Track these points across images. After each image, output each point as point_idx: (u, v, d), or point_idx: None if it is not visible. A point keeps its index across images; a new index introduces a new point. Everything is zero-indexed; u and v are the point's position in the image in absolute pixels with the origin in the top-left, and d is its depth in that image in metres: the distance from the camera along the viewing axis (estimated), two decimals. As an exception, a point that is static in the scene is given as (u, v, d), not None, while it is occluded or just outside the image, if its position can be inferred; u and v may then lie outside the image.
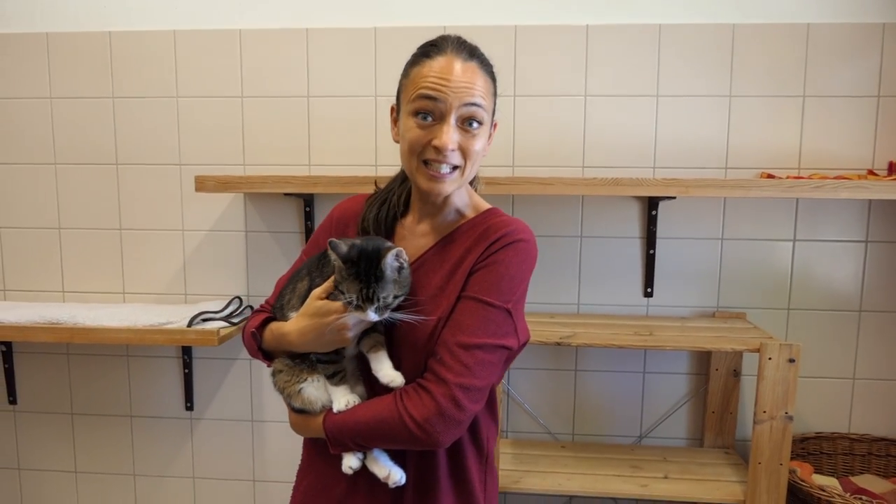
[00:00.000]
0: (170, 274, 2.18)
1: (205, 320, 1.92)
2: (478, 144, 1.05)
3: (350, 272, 1.00)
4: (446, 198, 1.11)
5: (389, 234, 1.17)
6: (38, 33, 2.11)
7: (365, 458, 1.08)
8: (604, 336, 1.77)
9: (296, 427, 1.13)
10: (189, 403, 2.20)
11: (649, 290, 2.06)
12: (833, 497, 1.70)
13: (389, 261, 1.00)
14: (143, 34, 2.09)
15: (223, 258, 2.16)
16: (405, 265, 1.03)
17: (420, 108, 1.02)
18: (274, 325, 1.12)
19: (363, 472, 1.09)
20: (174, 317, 1.94)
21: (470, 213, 1.15)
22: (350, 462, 1.07)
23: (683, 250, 2.05)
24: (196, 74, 2.09)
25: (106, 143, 2.14)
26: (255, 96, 2.09)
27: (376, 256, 1.00)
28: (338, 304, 1.01)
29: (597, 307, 2.09)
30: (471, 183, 1.21)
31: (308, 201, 2.06)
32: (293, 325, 1.07)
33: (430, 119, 1.03)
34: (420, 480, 1.10)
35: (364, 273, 0.99)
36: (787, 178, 1.89)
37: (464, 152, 1.04)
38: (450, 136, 1.01)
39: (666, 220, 2.04)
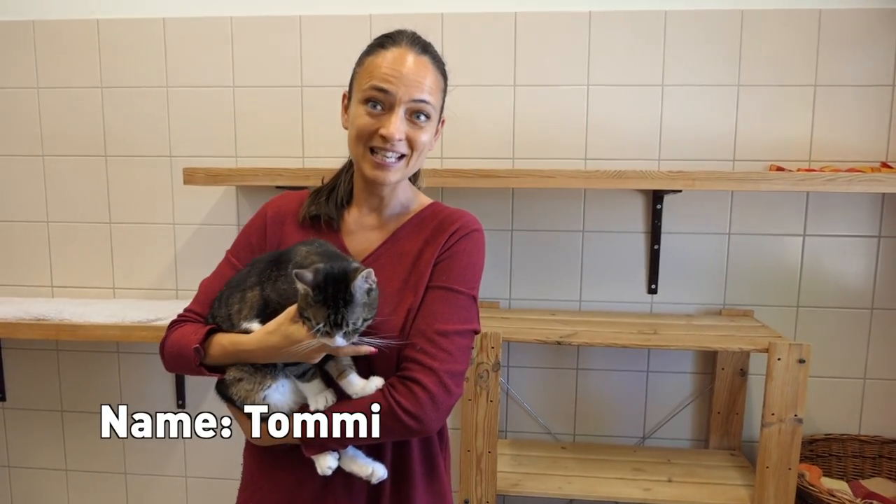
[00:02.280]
0: (160, 268, 2.13)
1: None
2: (424, 136, 1.08)
3: (317, 298, 0.93)
4: (392, 190, 1.13)
5: (335, 226, 1.15)
6: (23, 21, 2.05)
7: (339, 458, 1.03)
8: (606, 335, 1.71)
9: (263, 435, 1.06)
10: (181, 401, 2.15)
11: (653, 286, 2.00)
12: (843, 502, 1.64)
13: (359, 283, 0.95)
14: (132, 21, 2.02)
15: (215, 253, 2.07)
16: (374, 286, 0.98)
17: (370, 97, 1.05)
18: (227, 340, 1.05)
19: (335, 472, 1.04)
20: (163, 313, 1.88)
21: (415, 207, 1.18)
22: (328, 462, 1.01)
23: (689, 245, 1.98)
24: (186, 63, 2.03)
25: (94, 134, 2.08)
26: (247, 86, 2.03)
27: (344, 280, 0.94)
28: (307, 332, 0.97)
29: (599, 304, 2.03)
30: (413, 180, 1.23)
31: (301, 194, 2.00)
32: (258, 343, 1.00)
33: (379, 108, 1.05)
34: (396, 473, 1.09)
35: (332, 298, 0.93)
36: (798, 170, 1.82)
37: (410, 143, 1.07)
38: (397, 125, 1.04)
39: (671, 214, 1.97)
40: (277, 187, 1.96)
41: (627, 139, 1.96)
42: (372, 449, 1.07)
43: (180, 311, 1.87)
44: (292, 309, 0.97)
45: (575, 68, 1.95)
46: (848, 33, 1.87)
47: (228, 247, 2.06)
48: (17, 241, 2.16)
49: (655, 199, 1.95)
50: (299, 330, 0.96)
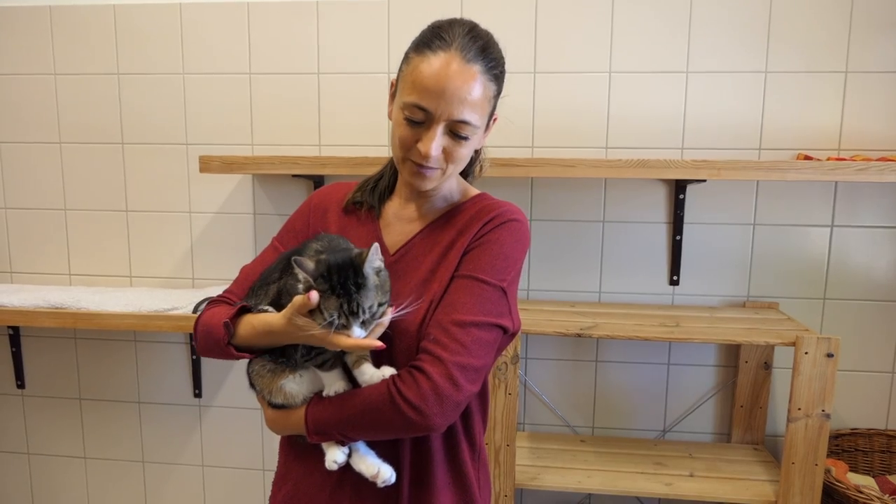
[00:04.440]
0: (177, 257, 2.12)
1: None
2: (464, 150, 1.02)
3: (323, 287, 0.89)
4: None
5: (375, 215, 1.13)
6: (40, 6, 2.03)
7: (350, 455, 1.00)
8: (628, 327, 1.68)
9: (273, 424, 1.04)
10: (197, 390, 2.15)
11: (675, 277, 1.96)
12: (871, 499, 1.61)
13: (370, 260, 0.90)
14: (149, 7, 2.01)
15: (231, 241, 2.09)
16: (382, 265, 0.94)
17: (409, 113, 0.98)
18: (257, 320, 1.00)
19: (348, 476, 1.01)
20: (180, 302, 1.88)
21: (458, 199, 1.12)
22: (335, 456, 0.98)
23: (712, 236, 1.94)
24: (203, 50, 2.01)
25: (111, 122, 2.07)
26: (264, 73, 2.00)
27: (350, 264, 0.90)
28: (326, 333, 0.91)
29: (620, 296, 1.99)
30: (471, 165, 1.17)
31: (318, 183, 1.98)
32: (284, 326, 0.95)
33: (418, 123, 0.99)
34: (416, 479, 1.04)
35: (341, 285, 0.88)
36: (828, 159, 1.77)
37: (448, 156, 1.01)
38: (434, 143, 0.98)
39: (694, 203, 1.93)
40: (294, 176, 1.94)
41: (650, 127, 1.92)
42: (390, 454, 1.02)
43: (197, 300, 1.88)
44: (299, 298, 0.91)
45: (597, 54, 1.91)
46: (881, 17, 1.81)
47: (244, 235, 2.07)
48: (35, 228, 2.16)
49: (678, 188, 1.91)
50: (309, 322, 0.91)
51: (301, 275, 0.91)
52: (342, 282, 0.89)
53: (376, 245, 0.92)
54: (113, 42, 2.03)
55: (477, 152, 1.17)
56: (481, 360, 0.96)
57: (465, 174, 1.17)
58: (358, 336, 0.90)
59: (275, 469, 1.18)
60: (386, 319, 0.95)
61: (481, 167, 1.19)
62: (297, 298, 0.91)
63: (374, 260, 0.92)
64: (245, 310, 1.04)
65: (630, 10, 1.88)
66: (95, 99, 2.07)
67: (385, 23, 1.94)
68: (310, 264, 0.90)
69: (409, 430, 0.94)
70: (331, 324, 0.89)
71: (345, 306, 0.88)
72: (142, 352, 2.18)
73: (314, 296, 0.89)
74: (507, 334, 1.02)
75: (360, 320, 0.89)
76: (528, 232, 1.07)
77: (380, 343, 0.92)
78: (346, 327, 0.89)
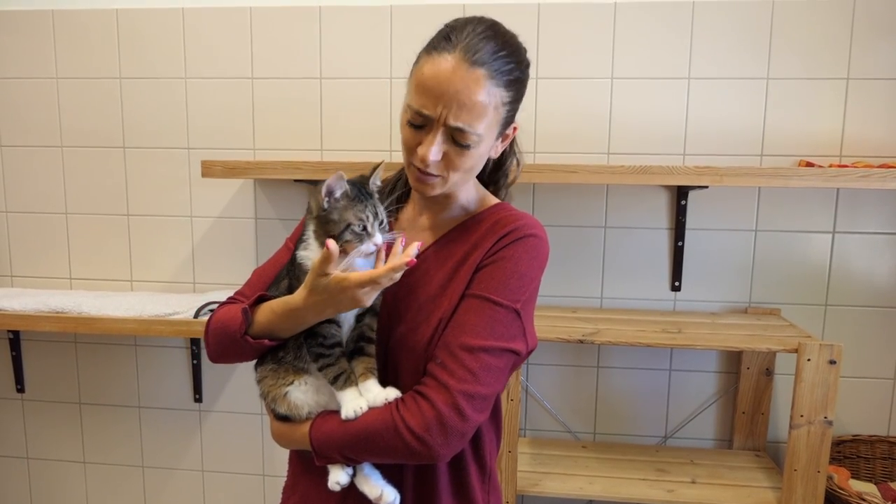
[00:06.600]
0: (178, 261, 2.11)
1: (212, 311, 1.85)
2: (467, 160, 0.96)
3: (338, 205, 0.93)
4: (448, 193, 1.03)
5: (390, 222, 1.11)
6: (42, 10, 2.03)
7: (354, 475, 0.98)
8: (630, 333, 1.67)
9: (279, 437, 1.02)
10: (198, 395, 2.15)
11: (677, 283, 1.96)
12: (873, 506, 1.60)
13: (375, 177, 0.99)
14: (151, 12, 2.00)
15: (232, 246, 2.09)
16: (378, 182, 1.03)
17: (410, 117, 0.95)
18: (276, 304, 0.97)
19: (353, 492, 0.99)
20: (181, 306, 1.87)
21: (476, 209, 1.07)
22: (338, 477, 0.96)
23: (714, 242, 1.94)
24: (205, 54, 2.01)
25: (113, 126, 2.07)
26: (266, 77, 2.00)
27: (353, 183, 0.97)
28: (356, 276, 0.89)
29: (621, 301, 1.99)
30: (497, 178, 1.14)
31: (320, 188, 1.97)
32: (304, 299, 0.92)
33: (420, 126, 0.95)
34: (419, 501, 1.01)
35: (354, 198, 0.94)
36: (830, 166, 1.77)
37: (449, 164, 0.95)
38: (432, 149, 0.93)
39: (696, 209, 1.93)
40: (295, 181, 1.94)
41: (652, 133, 1.92)
42: (393, 474, 0.99)
43: (198, 304, 1.87)
44: (317, 262, 0.89)
45: (599, 61, 1.91)
46: (883, 24, 1.81)
47: (245, 240, 2.06)
48: (36, 232, 2.15)
49: (680, 194, 1.91)
50: (344, 277, 0.89)
51: (313, 202, 0.95)
52: (355, 196, 0.94)
53: (384, 162, 0.97)
54: (115, 46, 2.03)
55: (502, 163, 1.12)
56: (490, 387, 0.91)
57: (491, 184, 1.13)
58: (377, 241, 0.92)
59: (275, 475, 1.17)
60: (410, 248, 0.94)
61: (508, 187, 1.14)
62: (315, 261, 0.90)
63: (376, 179, 0.99)
64: (261, 301, 1.01)
65: (632, 16, 1.88)
66: (97, 103, 2.07)
67: (387, 28, 1.94)
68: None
69: (411, 458, 0.91)
70: (358, 236, 0.91)
71: (366, 210, 0.93)
72: (142, 356, 2.17)
73: (332, 244, 0.88)
74: (521, 356, 0.97)
75: (379, 221, 0.94)
76: (546, 247, 1.02)
77: (412, 258, 0.90)
78: (369, 235, 0.92)
